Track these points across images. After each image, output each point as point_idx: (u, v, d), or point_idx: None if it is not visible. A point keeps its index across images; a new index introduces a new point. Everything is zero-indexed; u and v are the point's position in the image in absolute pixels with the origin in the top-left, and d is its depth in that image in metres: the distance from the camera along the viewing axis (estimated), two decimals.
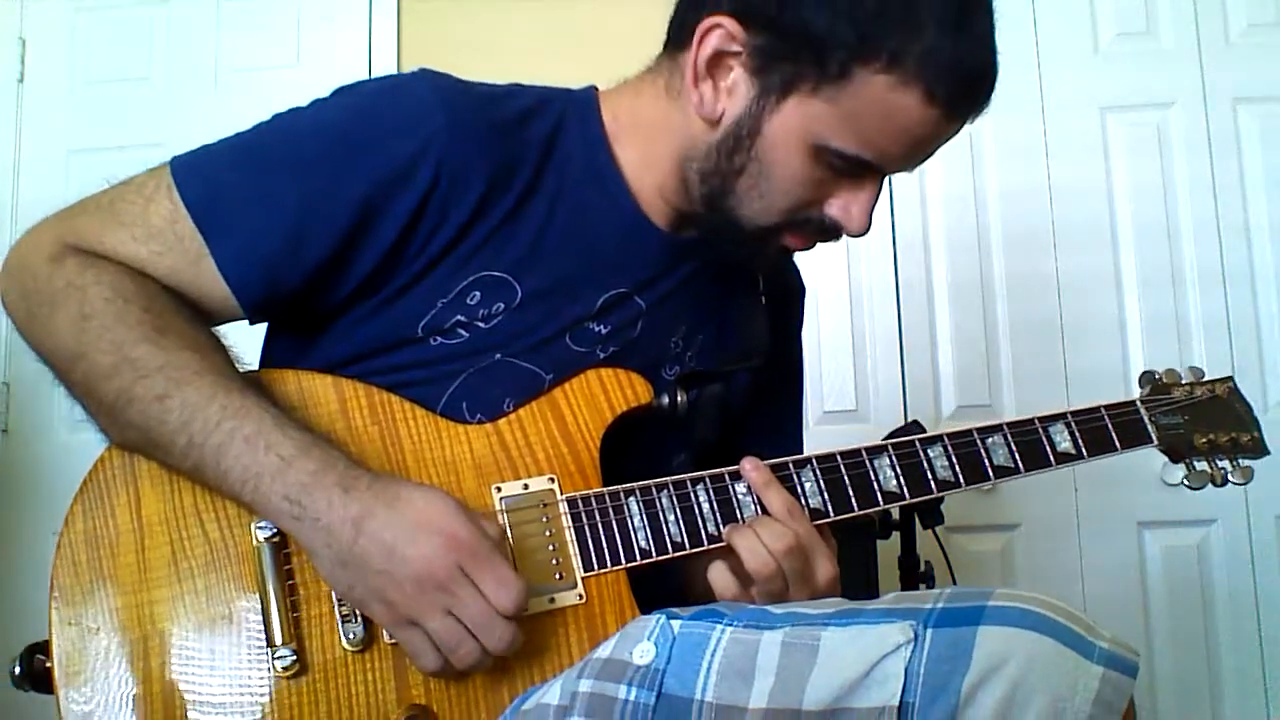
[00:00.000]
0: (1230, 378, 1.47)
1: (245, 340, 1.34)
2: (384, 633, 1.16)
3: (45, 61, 3.40)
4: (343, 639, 1.15)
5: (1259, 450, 1.44)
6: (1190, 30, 3.17)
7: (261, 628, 1.15)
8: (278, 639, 1.14)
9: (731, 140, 1.26)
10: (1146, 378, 1.45)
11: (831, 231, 1.32)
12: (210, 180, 1.24)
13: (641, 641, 1.10)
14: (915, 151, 1.27)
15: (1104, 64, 3.21)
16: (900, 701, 1.00)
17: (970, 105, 1.24)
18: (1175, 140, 3.15)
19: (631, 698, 1.07)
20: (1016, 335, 3.14)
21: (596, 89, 1.40)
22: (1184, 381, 1.45)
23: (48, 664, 1.15)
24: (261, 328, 1.38)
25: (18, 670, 1.18)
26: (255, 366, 1.34)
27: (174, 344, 1.17)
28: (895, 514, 2.55)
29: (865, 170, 1.26)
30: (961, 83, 1.21)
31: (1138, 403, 1.40)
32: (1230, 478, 1.43)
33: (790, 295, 1.62)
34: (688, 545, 1.25)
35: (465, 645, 1.10)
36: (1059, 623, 1.02)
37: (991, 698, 0.98)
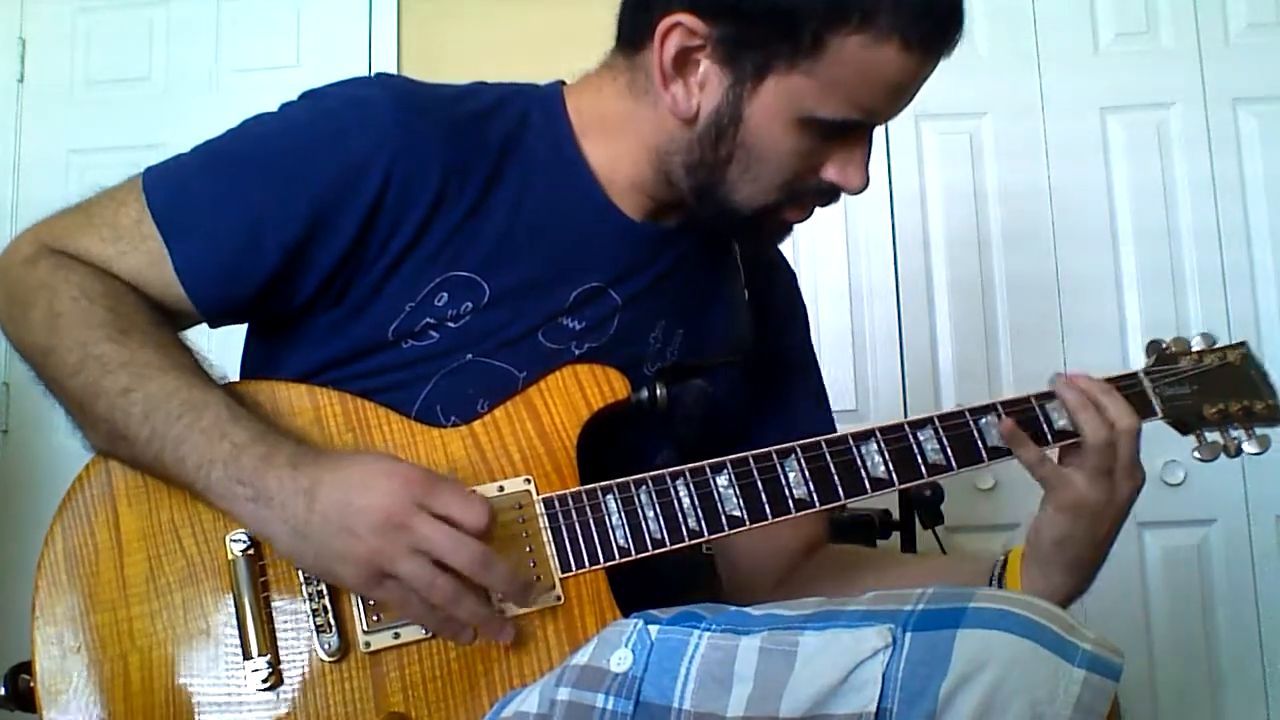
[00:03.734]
0: (1243, 343, 1.40)
1: (229, 349, 1.36)
2: (360, 641, 1.16)
3: (45, 61, 3.41)
4: (319, 649, 1.15)
5: (1276, 417, 1.37)
6: (1190, 30, 3.16)
7: (237, 640, 1.15)
8: (253, 650, 1.14)
9: (713, 131, 1.26)
10: (1153, 347, 1.39)
11: (830, 194, 1.31)
12: (175, 185, 1.27)
13: (619, 648, 1.10)
14: (900, 99, 1.26)
15: (1104, 64, 3.20)
16: (878, 707, 0.99)
17: (946, 41, 1.23)
18: (1175, 140, 3.15)
19: (609, 706, 1.06)
20: (1016, 335, 3.14)
21: (563, 83, 1.39)
22: (1193, 349, 1.39)
23: (31, 684, 1.16)
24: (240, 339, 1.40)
25: (3, 691, 1.19)
26: (235, 375, 1.35)
27: (137, 342, 1.19)
28: (896, 513, 2.55)
29: (854, 129, 1.26)
30: (935, 22, 1.20)
31: (1140, 374, 1.36)
32: (1244, 446, 1.36)
33: (776, 284, 1.60)
34: (668, 542, 1.24)
35: (439, 580, 1.11)
36: (1040, 624, 1.01)
37: (969, 702, 0.98)
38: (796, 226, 1.37)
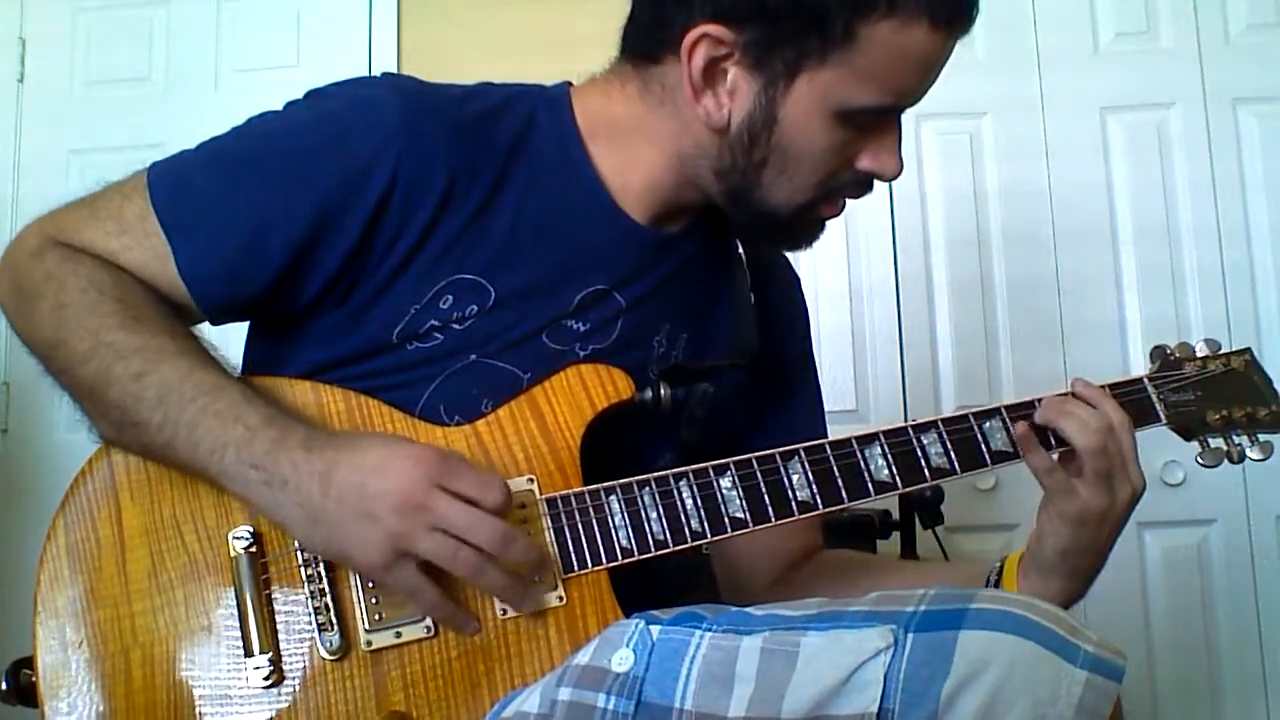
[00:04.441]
0: (1247, 349, 1.41)
1: (231, 346, 1.35)
2: (362, 640, 1.16)
3: (45, 61, 3.40)
4: (320, 647, 1.15)
5: (1279, 423, 1.37)
6: (1190, 30, 3.15)
7: (239, 637, 1.15)
8: (255, 648, 1.15)
9: (746, 137, 1.26)
10: (1157, 353, 1.39)
11: (864, 185, 1.32)
12: (179, 182, 1.27)
13: (620, 648, 1.10)
14: (929, 78, 1.27)
15: (1104, 64, 3.19)
16: (879, 708, 0.99)
17: (970, 14, 1.24)
18: (1175, 140, 3.14)
19: (610, 706, 1.06)
20: (1016, 335, 3.14)
21: (571, 85, 1.39)
22: (1198, 355, 1.39)
23: (33, 679, 1.16)
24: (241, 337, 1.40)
25: (4, 685, 1.19)
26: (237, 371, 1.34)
27: (148, 330, 1.19)
28: (896, 514, 2.55)
29: (887, 115, 1.27)
30: None
31: (1144, 380, 1.35)
32: (1248, 453, 1.35)
33: (780, 288, 1.60)
34: (670, 543, 1.24)
35: (461, 552, 1.11)
36: (1043, 625, 1.01)
37: (971, 704, 0.97)
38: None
